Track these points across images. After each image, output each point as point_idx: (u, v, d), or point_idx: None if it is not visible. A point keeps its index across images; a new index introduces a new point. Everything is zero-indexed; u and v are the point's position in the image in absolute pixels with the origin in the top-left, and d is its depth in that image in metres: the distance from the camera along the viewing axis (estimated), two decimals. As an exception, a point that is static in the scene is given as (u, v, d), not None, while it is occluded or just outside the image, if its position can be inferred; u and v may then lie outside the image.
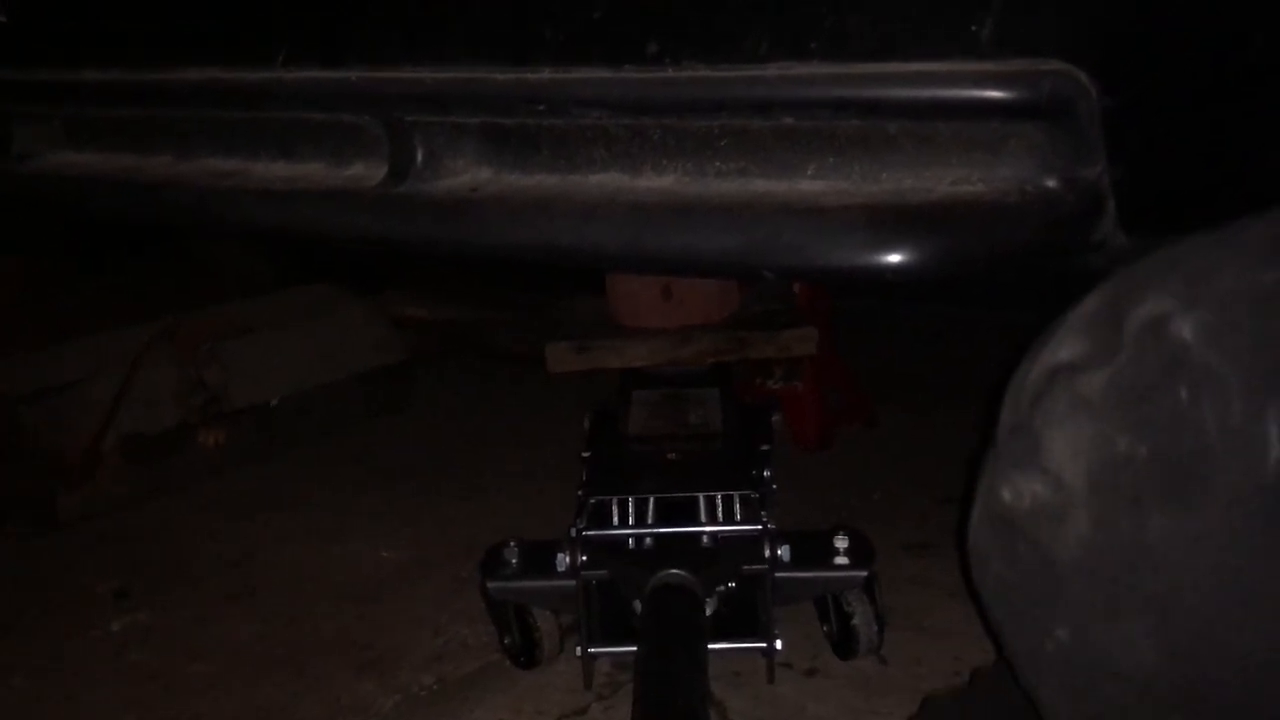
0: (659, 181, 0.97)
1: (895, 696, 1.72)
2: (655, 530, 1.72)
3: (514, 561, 1.76)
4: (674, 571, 1.61)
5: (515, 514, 2.33)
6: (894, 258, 0.86)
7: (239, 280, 3.32)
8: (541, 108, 0.97)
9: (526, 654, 1.81)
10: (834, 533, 1.75)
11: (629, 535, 1.72)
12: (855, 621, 1.77)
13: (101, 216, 1.36)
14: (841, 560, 1.73)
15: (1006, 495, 1.05)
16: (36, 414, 2.26)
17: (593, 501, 1.76)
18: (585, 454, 2.01)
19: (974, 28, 0.81)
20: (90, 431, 2.27)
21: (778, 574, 1.68)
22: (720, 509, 1.75)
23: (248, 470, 2.54)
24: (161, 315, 2.53)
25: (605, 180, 1.00)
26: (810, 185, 0.92)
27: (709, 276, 1.03)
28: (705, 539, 1.70)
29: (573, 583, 1.69)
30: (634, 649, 1.69)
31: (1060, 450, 1.00)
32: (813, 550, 1.74)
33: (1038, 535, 1.03)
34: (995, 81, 0.83)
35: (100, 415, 2.28)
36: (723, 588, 1.72)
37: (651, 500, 1.77)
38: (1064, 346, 1.02)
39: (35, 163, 1.32)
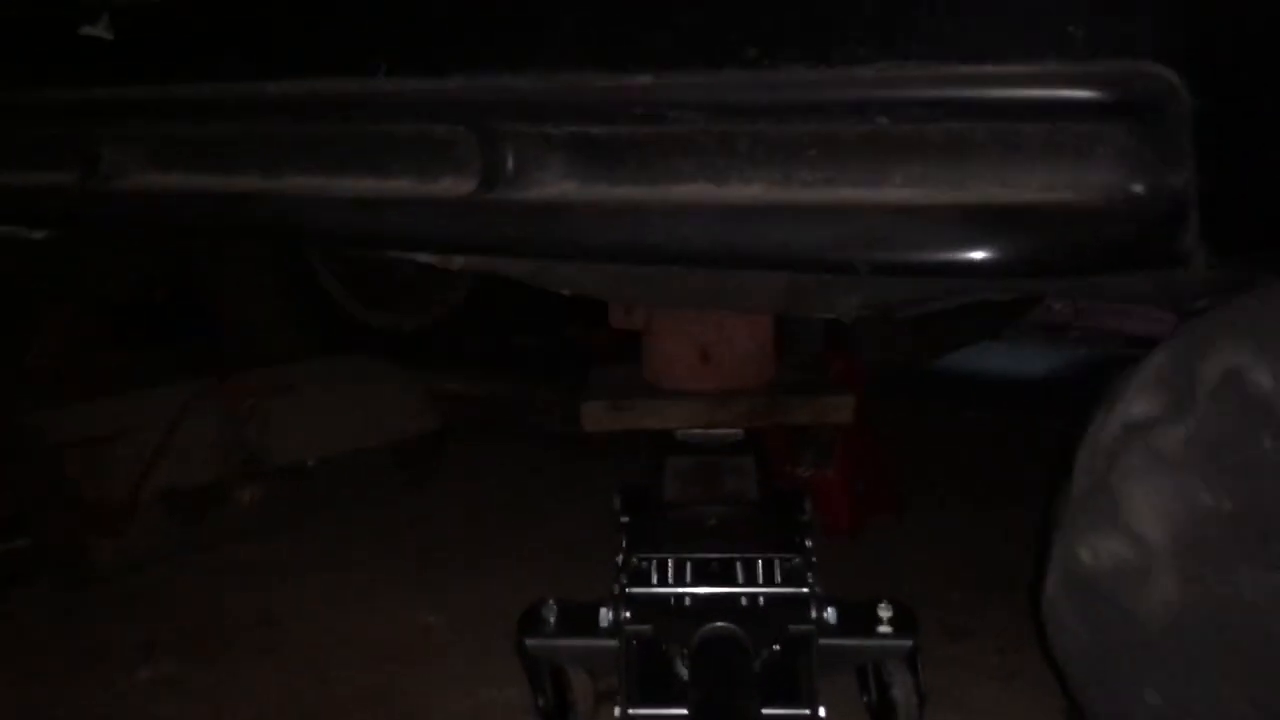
0: (746, 190, 0.99)
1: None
2: (700, 589, 1.70)
3: (553, 619, 1.74)
4: (722, 625, 1.58)
5: (545, 584, 2.30)
6: (983, 254, 0.88)
7: (274, 349, 3.37)
8: (640, 112, 1.00)
9: (560, 717, 1.78)
10: (877, 601, 1.73)
11: (673, 594, 1.70)
12: (894, 692, 1.74)
13: (189, 232, 1.38)
14: (885, 629, 1.71)
15: (1085, 557, 1.04)
16: (78, 463, 2.27)
17: (635, 560, 1.74)
18: (624, 519, 2.00)
19: (1067, 29, 0.84)
20: (129, 483, 2.27)
21: (823, 639, 1.66)
22: (764, 571, 1.74)
23: (282, 529, 2.53)
24: (199, 377, 2.56)
25: (692, 190, 1.02)
26: (898, 193, 0.94)
27: (802, 271, 1.04)
28: (751, 599, 1.68)
29: (614, 642, 1.67)
30: (675, 711, 1.66)
31: (1141, 508, 0.99)
32: (857, 617, 1.71)
33: (1121, 596, 1.01)
34: (1086, 82, 0.86)
35: (140, 468, 2.28)
36: (767, 650, 1.69)
37: (694, 560, 1.75)
38: (1137, 403, 1.02)
39: (123, 182, 1.36)
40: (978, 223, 0.89)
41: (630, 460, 2.87)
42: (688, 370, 2.12)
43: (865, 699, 1.79)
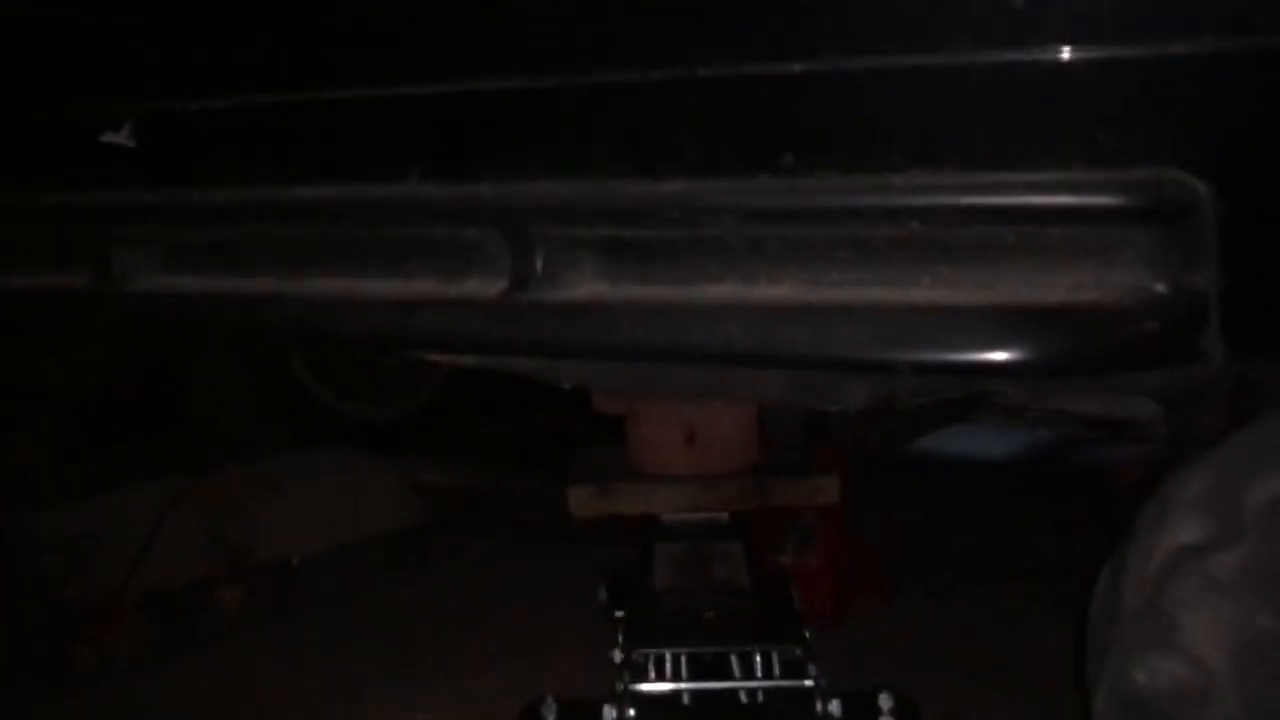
0: (775, 291, 1.02)
1: None
2: (706, 685, 1.70)
3: (552, 717, 1.72)
4: None
5: (534, 680, 2.29)
6: (1020, 355, 0.91)
7: (247, 442, 3.34)
8: (672, 217, 1.02)
9: (561, 814, 1.75)
10: (878, 690, 1.74)
11: (679, 690, 1.69)
12: None
13: (206, 335, 1.38)
14: (887, 719, 1.71)
15: (1141, 678, 1.05)
16: (58, 564, 2.22)
17: (635, 657, 1.73)
18: (618, 614, 1.99)
19: (1095, 137, 0.88)
20: (111, 586, 2.22)
21: None
22: (767, 664, 1.74)
23: (268, 628, 2.48)
24: (177, 476, 2.53)
25: (721, 291, 1.05)
26: (926, 294, 0.97)
27: (844, 371, 1.07)
28: (758, 694, 1.68)
29: None
30: None
31: (1198, 632, 1.01)
32: (860, 708, 1.72)
33: (1180, 716, 1.03)
34: (1114, 189, 0.90)
35: (122, 569, 2.24)
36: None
37: (697, 655, 1.75)
38: (1185, 529, 1.04)
39: (134, 286, 1.36)
40: (1013, 323, 0.92)
41: (612, 546, 2.87)
42: (673, 454, 2.12)
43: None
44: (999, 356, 0.92)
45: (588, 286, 1.11)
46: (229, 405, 3.38)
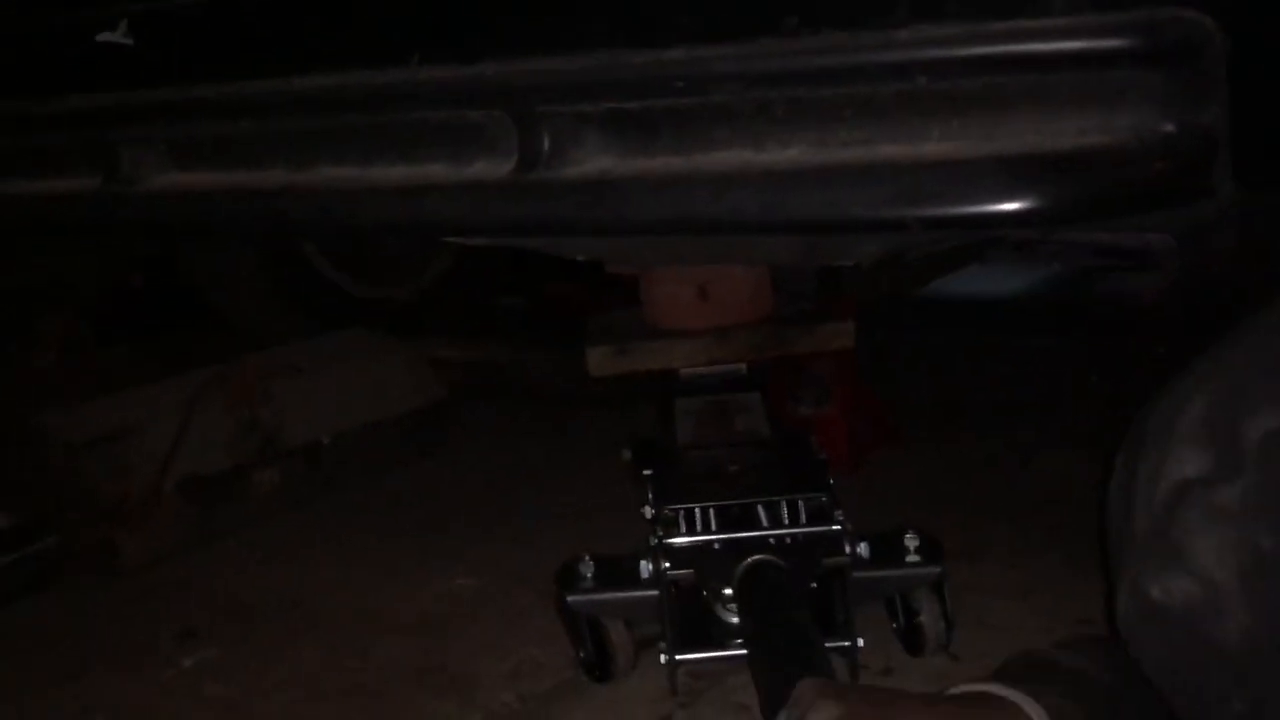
0: (784, 154, 1.02)
1: (972, 689, 1.75)
2: (737, 535, 1.76)
3: (590, 574, 1.78)
4: (765, 557, 1.64)
5: (561, 545, 2.35)
6: (1029, 203, 0.91)
7: (265, 329, 3.37)
8: (675, 86, 1.02)
9: (602, 668, 1.83)
10: (903, 532, 1.79)
11: (711, 540, 1.75)
12: (922, 618, 1.81)
13: (218, 232, 1.39)
14: (914, 558, 1.77)
15: (1156, 593, 1.10)
16: (96, 460, 2.28)
17: (666, 513, 1.79)
18: (646, 472, 2.04)
19: (1101, -20, 0.87)
20: (149, 476, 2.28)
21: (856, 572, 1.72)
22: (796, 511, 1.79)
23: (301, 510, 2.55)
24: (200, 367, 2.56)
25: (729, 157, 1.05)
26: (935, 148, 0.97)
27: (852, 232, 1.08)
28: (787, 539, 1.74)
29: (654, 592, 1.72)
30: (718, 654, 1.72)
31: (1206, 555, 1.06)
32: (887, 549, 1.78)
33: (1197, 628, 1.08)
34: (1122, 31, 0.89)
35: (158, 460, 2.29)
36: (804, 587, 1.75)
37: (726, 508, 1.80)
38: (1186, 462, 1.08)
39: (144, 185, 1.36)
40: (1019, 171, 0.93)
41: (632, 411, 2.92)
42: (688, 309, 2.14)
43: (894, 626, 1.85)
44: (1008, 206, 0.93)
45: (595, 162, 1.11)
46: (243, 294, 3.40)
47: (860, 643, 1.73)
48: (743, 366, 2.25)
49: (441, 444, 2.88)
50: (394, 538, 2.44)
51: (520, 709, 1.81)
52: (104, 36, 1.25)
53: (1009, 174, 0.93)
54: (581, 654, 1.82)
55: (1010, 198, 0.93)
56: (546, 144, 1.11)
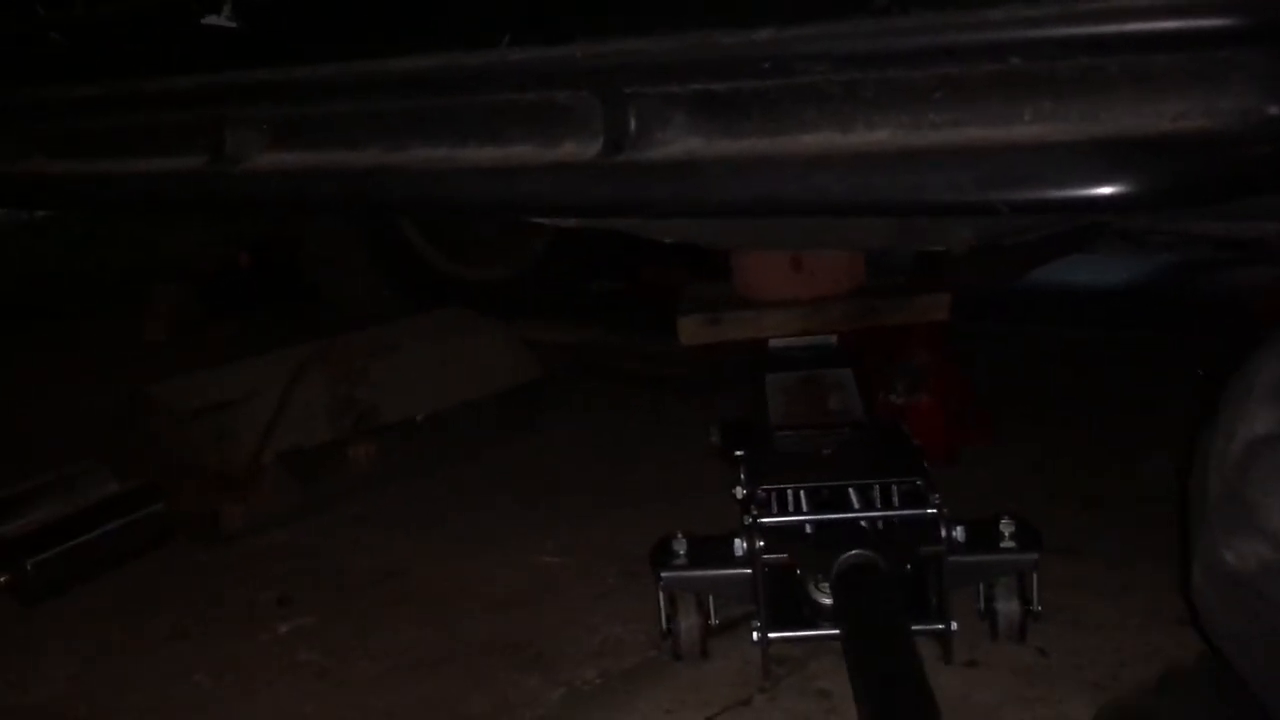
0: (872, 136, 1.01)
1: (1057, 685, 1.72)
2: (833, 516, 1.75)
3: (684, 552, 1.79)
4: (860, 551, 1.63)
5: (648, 525, 2.36)
6: (1125, 187, 0.89)
7: (365, 306, 3.45)
8: (763, 67, 1.02)
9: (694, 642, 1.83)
10: (999, 518, 1.77)
11: (806, 521, 1.75)
12: (997, 605, 1.79)
13: (316, 209, 1.43)
14: (1009, 544, 1.75)
15: (1230, 559, 1.09)
16: (202, 430, 2.36)
17: (760, 493, 1.78)
18: (738, 453, 2.04)
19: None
20: (251, 447, 2.36)
21: (952, 557, 1.70)
22: (892, 495, 1.78)
23: (396, 484, 2.61)
24: (302, 343, 2.63)
25: (817, 139, 1.04)
26: (1028, 130, 0.95)
27: (941, 215, 1.07)
28: (884, 523, 1.72)
29: (747, 570, 1.72)
30: (810, 633, 1.73)
31: (1277, 514, 1.04)
32: (982, 535, 1.76)
33: (1269, 591, 1.06)
34: (1223, 9, 0.86)
35: (260, 432, 2.36)
36: (901, 571, 1.73)
37: (822, 489, 1.80)
38: (1259, 420, 1.06)
39: (248, 164, 1.41)
40: (1114, 155, 0.90)
41: (722, 396, 2.92)
42: (781, 280, 2.12)
43: (980, 610, 1.83)
44: (1103, 190, 0.90)
45: (682, 143, 1.11)
46: (345, 274, 3.49)
47: (954, 627, 1.72)
48: (833, 339, 2.22)
49: (535, 423, 2.91)
50: (487, 513, 2.49)
51: (602, 686, 1.83)
52: (209, 19, 1.29)
53: (1105, 157, 0.90)
54: (669, 628, 1.83)
55: (1106, 181, 0.90)
56: (633, 125, 1.12)
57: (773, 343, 2.24)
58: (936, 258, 2.64)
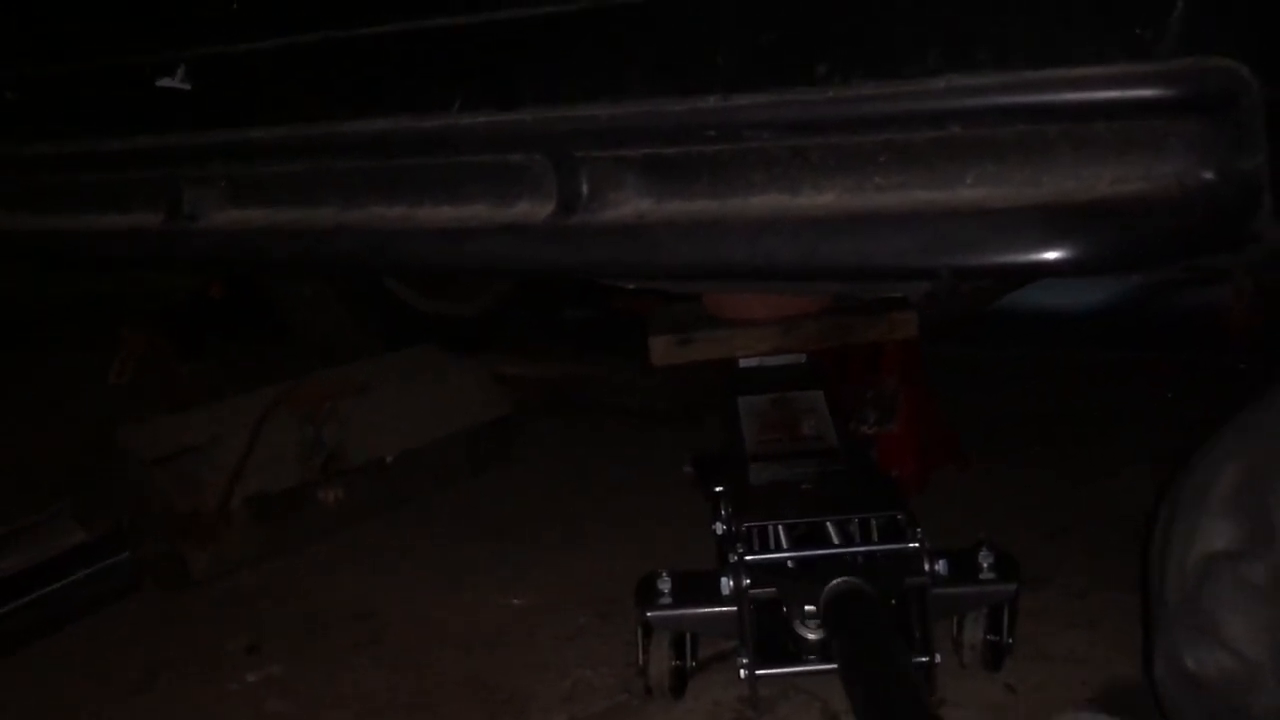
0: (820, 199, 1.02)
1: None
2: (819, 551, 1.75)
3: (668, 590, 1.79)
4: (848, 579, 1.64)
5: (628, 558, 2.37)
6: (1065, 252, 0.90)
7: (336, 342, 3.44)
8: (712, 133, 1.03)
9: (675, 682, 1.82)
10: (977, 549, 1.78)
11: (790, 557, 1.75)
12: (965, 635, 1.81)
13: (273, 268, 1.43)
14: (988, 575, 1.76)
15: (1191, 664, 1.11)
16: (167, 476, 2.34)
17: (743, 530, 1.79)
18: (717, 489, 2.04)
19: (1138, 30, 0.86)
20: (218, 491, 2.35)
21: (935, 590, 1.71)
22: (874, 529, 1.79)
23: (366, 526, 2.60)
24: (271, 384, 2.62)
25: (765, 201, 1.05)
26: (971, 193, 0.97)
27: (884, 281, 1.08)
28: (868, 556, 1.73)
29: (733, 608, 1.72)
30: (797, 669, 1.73)
31: (1238, 629, 1.07)
32: (964, 566, 1.77)
33: (1232, 701, 1.08)
34: (1162, 80, 0.88)
35: (227, 476, 2.35)
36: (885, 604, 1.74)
37: (805, 524, 1.80)
38: (1217, 535, 1.09)
39: (205, 222, 1.41)
40: (1054, 221, 0.92)
41: (692, 429, 2.92)
42: (751, 299, 2.12)
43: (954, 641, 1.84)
44: (1045, 255, 0.92)
45: (633, 205, 1.12)
46: (316, 309, 3.47)
47: (938, 659, 1.72)
48: (803, 358, 2.23)
49: (506, 459, 2.91)
50: (457, 552, 2.48)
51: (572, 730, 1.83)
52: (164, 81, 1.29)
53: (1046, 222, 0.92)
54: (646, 668, 1.82)
55: (1047, 246, 0.91)
56: (585, 187, 1.12)
57: (742, 362, 2.24)
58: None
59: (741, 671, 1.73)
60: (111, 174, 1.52)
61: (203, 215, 1.41)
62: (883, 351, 2.52)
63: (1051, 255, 0.91)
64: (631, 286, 1.63)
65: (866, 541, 1.76)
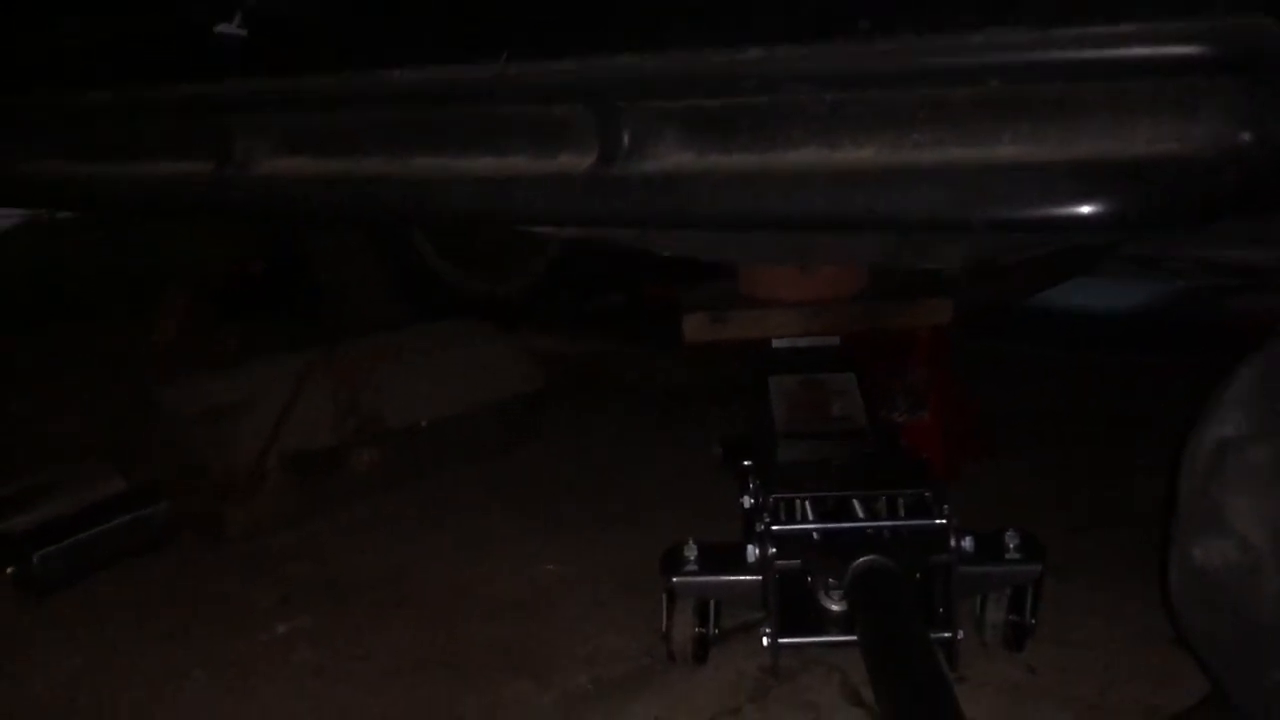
0: (858, 154, 1.04)
1: (1044, 702, 1.74)
2: (846, 524, 1.77)
3: (694, 558, 1.81)
4: (876, 557, 1.65)
5: (649, 538, 2.38)
6: (1099, 208, 0.91)
7: (373, 316, 3.49)
8: (753, 86, 1.04)
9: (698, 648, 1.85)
10: (1004, 530, 1.79)
11: (816, 529, 1.77)
12: (987, 614, 1.83)
13: (319, 215, 1.47)
14: (1015, 555, 1.77)
15: (1198, 555, 1.13)
16: (206, 434, 2.39)
17: (773, 500, 1.80)
18: (746, 462, 2.06)
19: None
20: (255, 452, 2.39)
21: (960, 567, 1.72)
22: (901, 505, 1.80)
23: (395, 494, 2.63)
24: (309, 348, 2.66)
25: (804, 156, 1.07)
26: (1007, 150, 0.98)
27: (918, 232, 1.10)
28: (894, 532, 1.74)
29: (757, 577, 1.74)
30: (819, 639, 1.75)
31: (1242, 515, 1.09)
32: (990, 546, 1.78)
33: (1235, 590, 1.10)
34: (1198, 38, 0.88)
35: (264, 436, 2.39)
36: (911, 579, 1.75)
37: (832, 498, 1.82)
38: (1228, 422, 1.11)
39: (254, 170, 1.44)
40: (1088, 177, 0.93)
41: (720, 409, 2.94)
42: (785, 281, 2.13)
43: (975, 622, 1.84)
44: (1076, 211, 0.93)
45: (673, 157, 1.14)
46: (355, 281, 3.52)
47: (960, 635, 1.74)
48: (836, 340, 2.24)
49: (537, 433, 2.94)
50: (487, 520, 2.51)
51: (593, 692, 1.86)
52: (221, 28, 1.33)
53: (1079, 179, 0.93)
54: (669, 634, 1.84)
55: (1079, 203, 0.93)
56: (626, 139, 1.15)
57: (775, 342, 2.25)
58: (936, 275, 2.66)
59: (764, 640, 1.75)
60: (167, 122, 1.56)
61: (252, 163, 1.44)
62: (915, 340, 2.53)
63: (1085, 210, 0.92)
64: (667, 253, 1.65)
65: (894, 517, 1.78)
